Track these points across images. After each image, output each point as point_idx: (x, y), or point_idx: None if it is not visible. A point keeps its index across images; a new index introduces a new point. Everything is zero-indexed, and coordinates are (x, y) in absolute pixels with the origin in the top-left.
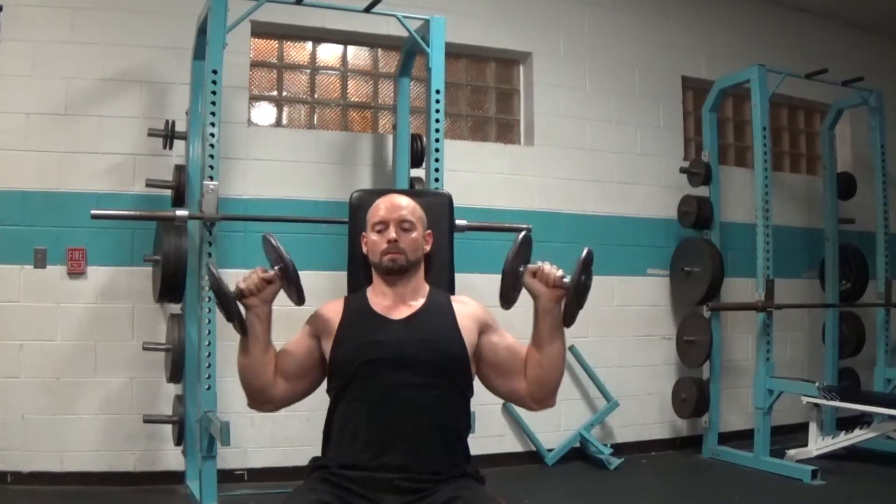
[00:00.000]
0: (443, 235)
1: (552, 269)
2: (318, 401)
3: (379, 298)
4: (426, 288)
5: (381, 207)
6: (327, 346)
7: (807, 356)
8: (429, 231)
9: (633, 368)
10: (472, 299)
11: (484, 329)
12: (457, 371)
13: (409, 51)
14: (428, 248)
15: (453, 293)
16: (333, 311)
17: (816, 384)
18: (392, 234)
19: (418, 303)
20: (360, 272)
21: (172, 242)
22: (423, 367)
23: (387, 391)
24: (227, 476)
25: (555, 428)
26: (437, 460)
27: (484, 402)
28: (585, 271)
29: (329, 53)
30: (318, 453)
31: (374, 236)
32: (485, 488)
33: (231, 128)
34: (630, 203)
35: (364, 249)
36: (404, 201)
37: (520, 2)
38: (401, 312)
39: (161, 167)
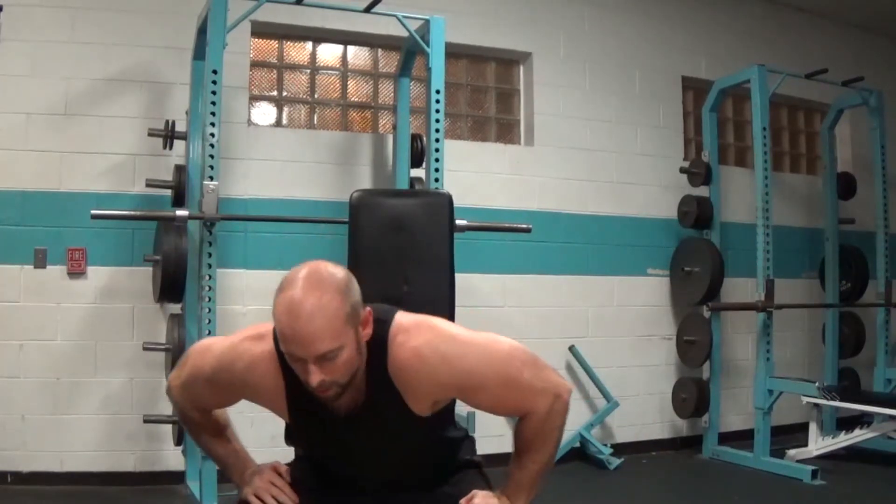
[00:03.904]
0: (443, 235)
1: None
2: None
3: None
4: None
5: (290, 339)
6: (272, 410)
7: (807, 356)
8: (367, 313)
9: (633, 368)
10: (428, 361)
11: (453, 397)
12: (424, 440)
13: (409, 51)
14: (369, 333)
15: (453, 293)
16: (270, 386)
17: (816, 384)
18: (314, 376)
19: (360, 389)
20: (360, 274)
21: (172, 242)
22: (388, 470)
23: (344, 464)
24: (227, 476)
25: None
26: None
27: None
28: None
29: (329, 53)
30: None
31: (291, 361)
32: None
33: (231, 128)
34: (630, 203)
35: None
36: (317, 326)
37: (520, 2)
38: (346, 405)
39: (161, 167)
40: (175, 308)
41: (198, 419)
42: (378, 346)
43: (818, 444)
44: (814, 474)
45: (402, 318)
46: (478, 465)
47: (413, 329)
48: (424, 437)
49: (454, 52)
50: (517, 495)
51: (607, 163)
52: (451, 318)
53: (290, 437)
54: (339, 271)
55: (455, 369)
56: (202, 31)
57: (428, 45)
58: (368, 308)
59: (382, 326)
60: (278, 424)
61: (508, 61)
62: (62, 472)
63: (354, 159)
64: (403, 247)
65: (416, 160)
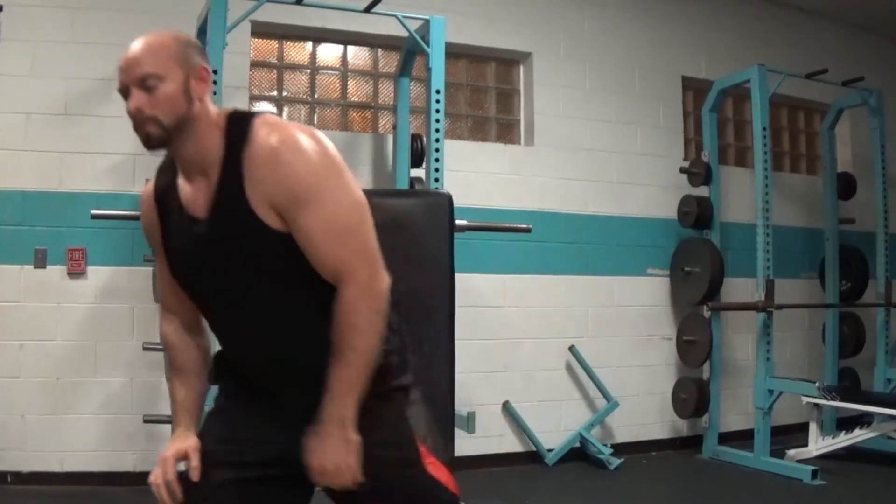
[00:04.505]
0: (443, 235)
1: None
2: None
3: (182, 175)
4: (216, 149)
5: (119, 69)
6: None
7: (807, 356)
8: (201, 66)
9: (633, 368)
10: (280, 156)
11: (285, 210)
12: (279, 273)
13: (409, 51)
14: (204, 90)
15: (453, 294)
16: (151, 209)
17: (816, 384)
18: (133, 101)
19: (214, 179)
20: None
21: None
22: (246, 290)
23: (229, 326)
24: None
25: (555, 428)
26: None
27: (483, 403)
28: None
29: (329, 53)
30: None
31: (125, 99)
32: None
33: None
34: (630, 203)
35: None
36: (140, 51)
37: (520, 2)
38: (201, 200)
39: None
40: None
41: (173, 344)
42: (238, 133)
43: (818, 444)
44: (814, 474)
45: (273, 117)
46: (405, 390)
47: (282, 128)
48: (289, 268)
49: (454, 52)
50: (343, 400)
51: (607, 163)
52: (450, 317)
53: (170, 267)
54: (190, 36)
55: (297, 174)
56: (202, 31)
57: (428, 45)
58: (207, 66)
59: (247, 118)
60: None
61: (508, 61)
62: (62, 472)
63: (354, 159)
64: (403, 247)
65: (416, 160)
